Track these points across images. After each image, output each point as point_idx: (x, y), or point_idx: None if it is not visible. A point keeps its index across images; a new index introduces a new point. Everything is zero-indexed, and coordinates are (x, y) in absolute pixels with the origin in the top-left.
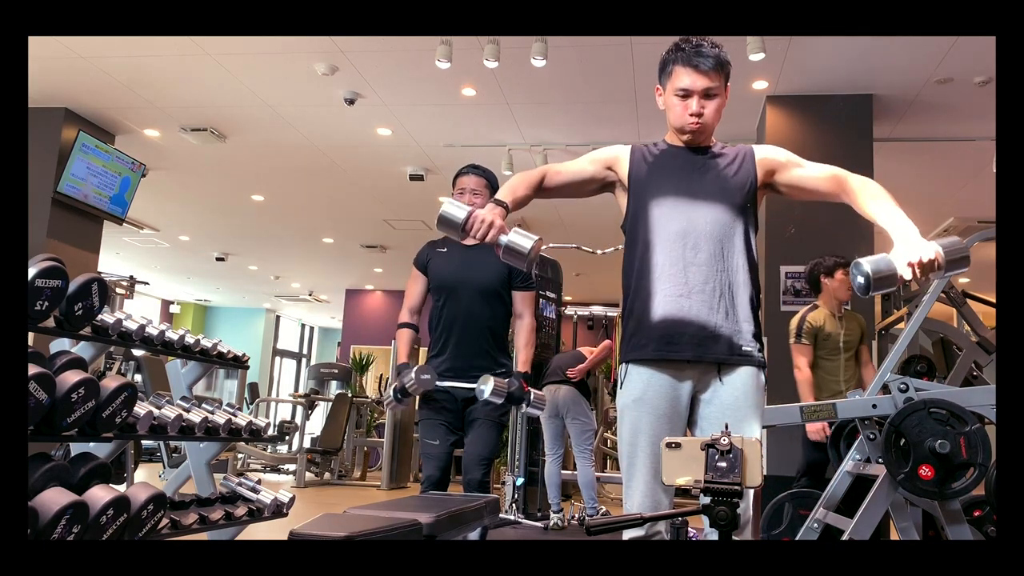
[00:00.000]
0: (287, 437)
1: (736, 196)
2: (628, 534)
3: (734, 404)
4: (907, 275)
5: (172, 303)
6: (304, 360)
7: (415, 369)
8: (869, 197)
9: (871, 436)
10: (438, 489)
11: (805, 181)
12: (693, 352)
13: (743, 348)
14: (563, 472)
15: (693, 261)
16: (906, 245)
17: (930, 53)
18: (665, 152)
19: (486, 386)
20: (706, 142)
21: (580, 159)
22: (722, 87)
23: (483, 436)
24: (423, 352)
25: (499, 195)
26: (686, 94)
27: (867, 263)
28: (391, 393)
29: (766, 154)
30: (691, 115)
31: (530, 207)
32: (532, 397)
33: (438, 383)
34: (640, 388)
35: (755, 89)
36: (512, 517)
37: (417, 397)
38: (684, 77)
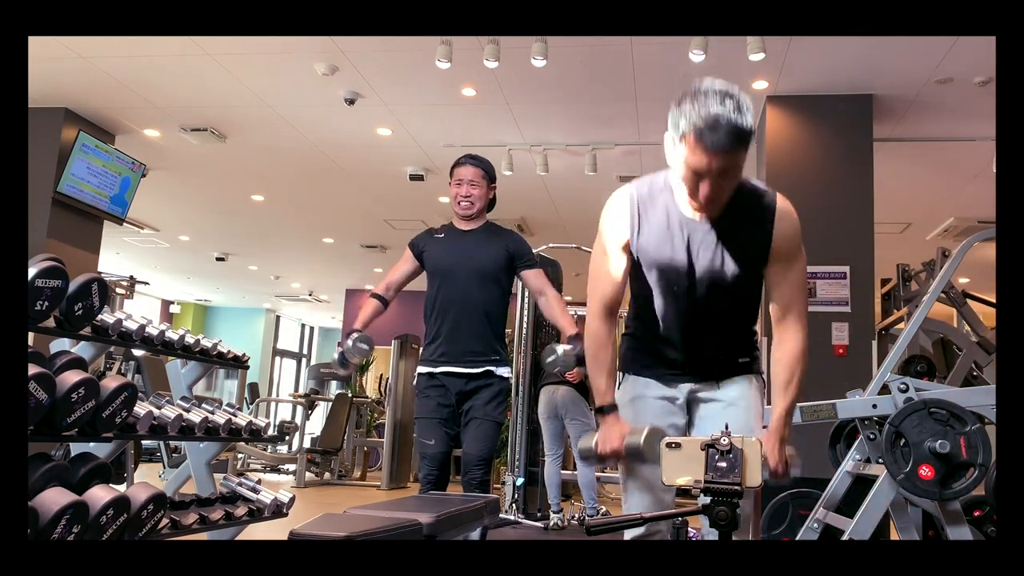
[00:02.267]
0: (287, 437)
1: (747, 263)
2: (629, 534)
3: (733, 404)
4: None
5: (172, 303)
6: (304, 360)
7: (354, 336)
8: (783, 366)
9: (871, 436)
10: (437, 488)
11: (773, 286)
12: (692, 380)
13: (739, 361)
14: (563, 472)
15: (693, 312)
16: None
17: (930, 53)
18: (671, 213)
19: (557, 353)
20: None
21: (602, 259)
22: (742, 157)
23: (481, 436)
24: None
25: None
26: (699, 174)
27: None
28: (336, 357)
29: (786, 231)
30: (704, 196)
31: (529, 208)
32: None
33: (433, 370)
34: (638, 389)
35: (755, 89)
36: (512, 517)
37: (414, 392)
38: (698, 155)
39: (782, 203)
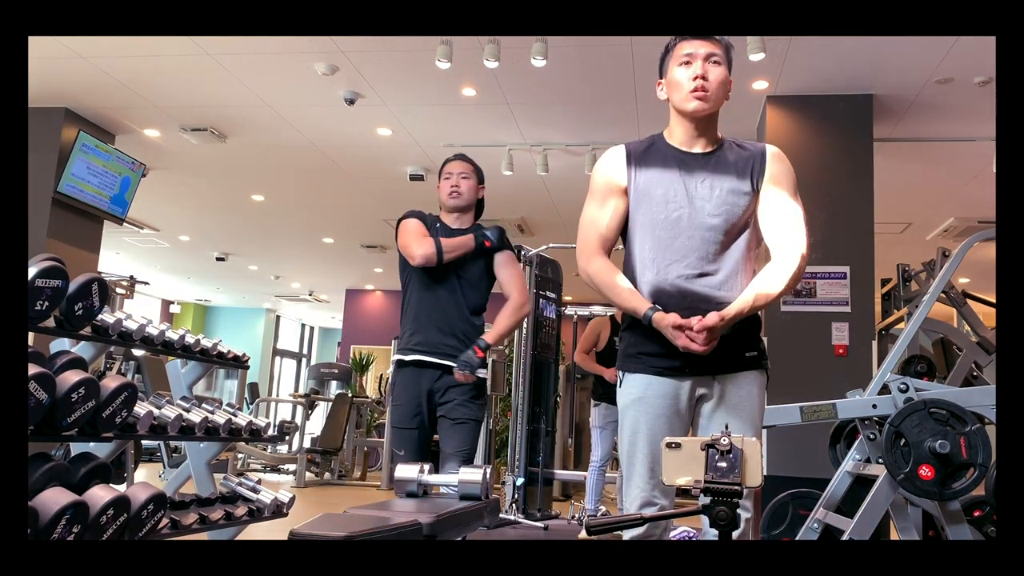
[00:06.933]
0: (287, 437)
1: (740, 196)
2: (628, 534)
3: (737, 406)
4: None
5: (172, 303)
6: (304, 360)
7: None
8: (764, 278)
9: (871, 436)
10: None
11: (769, 219)
12: (692, 369)
13: (745, 354)
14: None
15: (688, 276)
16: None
17: (930, 53)
18: (662, 153)
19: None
20: (712, 128)
21: (596, 207)
22: (725, 61)
23: (459, 440)
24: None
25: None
26: (689, 59)
27: None
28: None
29: (778, 169)
30: (695, 79)
31: (529, 208)
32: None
33: (407, 357)
34: (640, 389)
35: (755, 89)
36: (512, 517)
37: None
38: (686, 45)
39: (773, 148)
